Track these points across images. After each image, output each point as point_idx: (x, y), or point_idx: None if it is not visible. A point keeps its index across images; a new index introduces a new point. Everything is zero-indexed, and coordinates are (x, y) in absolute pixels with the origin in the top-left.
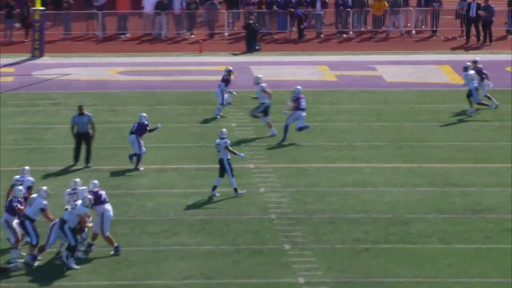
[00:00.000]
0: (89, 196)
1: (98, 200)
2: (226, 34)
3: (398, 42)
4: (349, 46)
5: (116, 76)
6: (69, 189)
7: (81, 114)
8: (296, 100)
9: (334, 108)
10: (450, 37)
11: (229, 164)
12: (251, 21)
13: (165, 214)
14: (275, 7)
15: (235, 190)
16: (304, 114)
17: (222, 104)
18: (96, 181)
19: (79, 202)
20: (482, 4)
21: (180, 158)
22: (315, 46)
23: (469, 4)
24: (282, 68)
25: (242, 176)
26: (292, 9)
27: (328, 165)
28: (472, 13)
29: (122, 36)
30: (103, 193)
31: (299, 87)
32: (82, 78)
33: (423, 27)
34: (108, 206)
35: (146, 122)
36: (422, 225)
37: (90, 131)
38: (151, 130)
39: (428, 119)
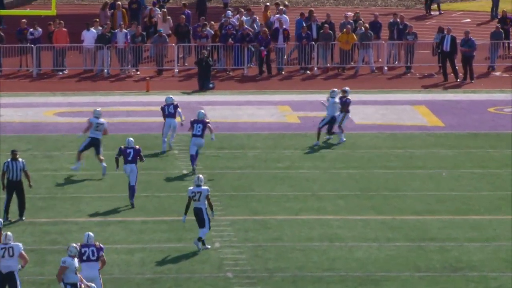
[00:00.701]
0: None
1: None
2: (176, 70)
3: (368, 79)
4: (314, 84)
5: (53, 117)
6: (1, 244)
7: (14, 159)
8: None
9: (297, 154)
10: (426, 74)
11: (207, 214)
12: (204, 56)
13: (109, 272)
14: (230, 41)
15: (203, 242)
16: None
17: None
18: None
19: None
20: (463, 37)
21: (125, 209)
22: (275, 84)
23: (443, 37)
24: (239, 109)
25: (194, 229)
26: (258, 46)
27: (291, 217)
28: (446, 47)
29: (60, 73)
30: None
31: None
32: (14, 120)
33: (396, 63)
34: None
35: (138, 147)
36: (396, 285)
37: (24, 179)
38: (141, 158)
39: (402, 165)
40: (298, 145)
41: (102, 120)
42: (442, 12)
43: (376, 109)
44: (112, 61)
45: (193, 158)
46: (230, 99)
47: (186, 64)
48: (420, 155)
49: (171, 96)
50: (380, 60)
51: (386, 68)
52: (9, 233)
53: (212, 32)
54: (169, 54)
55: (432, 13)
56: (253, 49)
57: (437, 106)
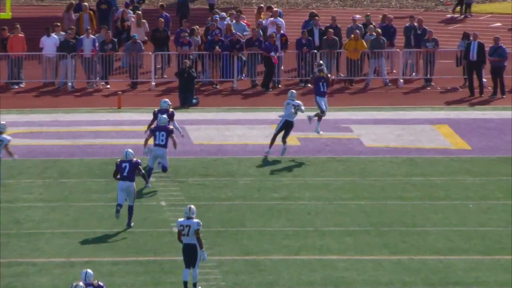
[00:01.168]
0: None
1: None
2: (153, 83)
3: (380, 94)
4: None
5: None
6: None
7: None
8: None
9: (296, 182)
10: (449, 88)
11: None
12: (186, 66)
13: None
14: (217, 48)
15: (194, 285)
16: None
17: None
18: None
19: None
20: (492, 45)
21: (92, 248)
22: (270, 99)
23: (469, 45)
24: (228, 129)
25: (174, 270)
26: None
27: (289, 257)
28: (473, 56)
29: (15, 87)
30: None
31: None
32: None
33: (414, 74)
34: None
35: (137, 160)
36: None
37: None
38: (143, 175)
39: (421, 196)
40: (297, 171)
41: (4, 136)
42: (470, 15)
43: (390, 130)
44: (78, 72)
45: (150, 173)
46: (217, 117)
47: (165, 76)
48: (442, 184)
49: (167, 100)
50: (394, 71)
51: (401, 80)
52: None
53: (198, 40)
54: (145, 65)
55: (457, 16)
56: (244, 58)
57: (462, 125)
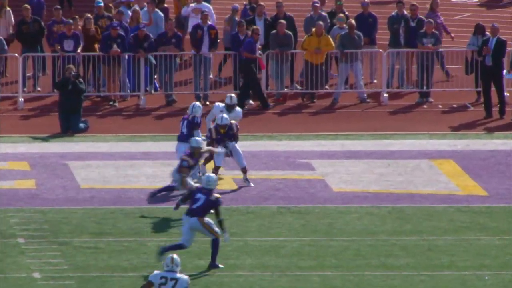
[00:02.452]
0: None
1: None
2: (21, 99)
3: (355, 115)
4: (259, 122)
5: None
6: None
7: None
8: None
9: (233, 244)
10: (455, 106)
11: None
12: (71, 75)
13: None
14: (115, 48)
15: None
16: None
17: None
18: None
19: None
20: None
21: None
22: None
23: (485, 43)
24: (132, 166)
25: None
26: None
27: None
28: (489, 59)
29: None
30: None
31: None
32: None
33: (404, 86)
34: None
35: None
36: None
37: None
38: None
39: (416, 264)
40: (234, 227)
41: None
42: None
43: (369, 166)
44: None
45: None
46: (115, 148)
47: (38, 89)
48: (445, 246)
49: (198, 103)
50: (375, 81)
51: (385, 95)
52: None
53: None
54: (9, 72)
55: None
56: (153, 61)
57: (474, 161)
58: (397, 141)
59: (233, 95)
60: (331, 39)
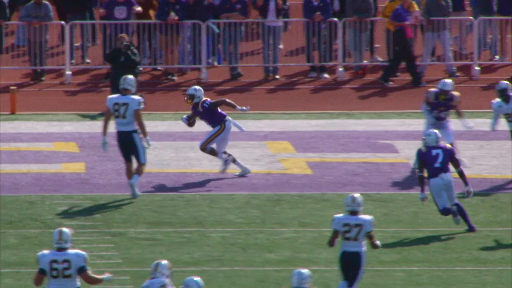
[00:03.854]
0: None
1: None
2: (69, 73)
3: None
4: (337, 98)
5: None
6: None
7: None
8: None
9: (306, 235)
10: None
11: None
12: (123, 45)
13: None
14: (173, 15)
15: None
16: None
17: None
18: None
19: None
20: None
21: None
22: (261, 98)
23: None
24: (193, 148)
25: None
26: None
27: None
28: None
29: None
30: None
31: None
32: None
33: (497, 58)
34: None
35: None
36: None
37: None
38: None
39: (510, 258)
40: (308, 217)
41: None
42: None
43: (459, 149)
44: None
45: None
46: (174, 128)
47: (87, 60)
48: None
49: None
50: (465, 52)
51: (477, 68)
52: None
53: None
54: (53, 40)
55: None
56: (216, 30)
57: None
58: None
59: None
60: (415, 5)
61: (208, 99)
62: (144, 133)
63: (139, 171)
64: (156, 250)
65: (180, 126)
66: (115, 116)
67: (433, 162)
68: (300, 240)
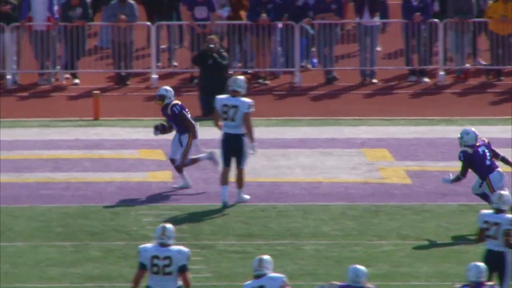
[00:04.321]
0: None
1: None
2: (155, 76)
3: None
4: (435, 103)
5: None
6: None
7: None
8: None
9: (405, 251)
10: None
11: None
12: (211, 47)
13: None
14: (264, 16)
15: None
16: None
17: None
18: None
19: None
20: None
21: None
22: (358, 102)
23: None
24: (286, 155)
25: None
26: None
27: None
28: None
29: None
30: None
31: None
32: None
33: None
34: None
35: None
36: None
37: None
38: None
39: None
40: (407, 229)
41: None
42: None
43: None
44: (23, 57)
45: None
46: (265, 134)
47: (174, 63)
48: None
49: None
50: None
51: None
52: None
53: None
54: (139, 42)
55: None
56: (311, 31)
57: None
58: None
59: None
60: None
61: (179, 103)
62: (252, 138)
63: (240, 180)
64: (247, 263)
65: (271, 132)
66: (223, 118)
67: (483, 159)
68: (399, 253)
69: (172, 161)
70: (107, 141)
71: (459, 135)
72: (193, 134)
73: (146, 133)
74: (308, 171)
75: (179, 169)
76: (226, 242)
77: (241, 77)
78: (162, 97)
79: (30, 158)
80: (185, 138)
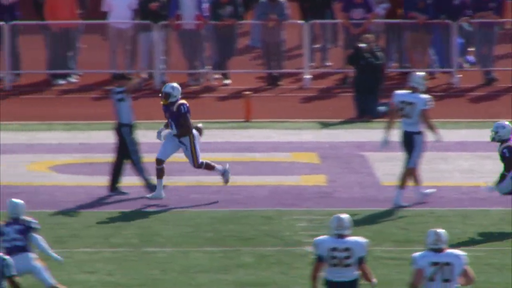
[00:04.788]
0: None
1: None
2: (307, 77)
3: None
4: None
5: (47, 174)
6: None
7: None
8: None
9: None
10: None
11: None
12: (365, 47)
13: None
14: (420, 15)
15: None
16: None
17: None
18: None
19: None
20: None
21: None
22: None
23: None
24: (445, 159)
25: None
26: None
27: None
28: None
29: (61, 82)
30: None
31: None
32: None
33: None
34: None
35: None
36: None
37: None
38: None
39: None
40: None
41: None
42: None
43: None
44: (171, 56)
45: None
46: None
47: (327, 63)
48: None
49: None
50: None
51: None
52: None
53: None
54: (292, 41)
55: None
56: (468, 28)
57: None
58: None
59: None
60: None
61: (186, 104)
62: (434, 131)
63: (404, 178)
64: (404, 270)
65: (429, 134)
66: (400, 115)
67: None
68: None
69: (159, 161)
70: (259, 144)
71: (492, 129)
72: (193, 135)
73: (299, 135)
74: (466, 174)
75: (160, 174)
76: (382, 248)
77: (420, 73)
78: (167, 95)
79: (179, 161)
80: (186, 140)
